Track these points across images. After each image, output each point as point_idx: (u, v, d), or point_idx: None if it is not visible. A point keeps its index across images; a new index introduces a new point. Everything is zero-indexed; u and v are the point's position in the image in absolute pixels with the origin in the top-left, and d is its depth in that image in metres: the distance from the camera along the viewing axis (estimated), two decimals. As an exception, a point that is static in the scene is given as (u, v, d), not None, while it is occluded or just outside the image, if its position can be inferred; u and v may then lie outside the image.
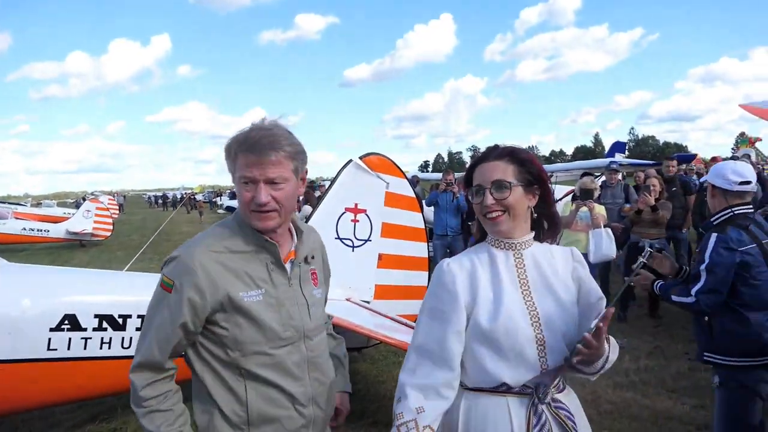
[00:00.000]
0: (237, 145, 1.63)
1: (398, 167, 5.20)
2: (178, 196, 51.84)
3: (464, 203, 8.45)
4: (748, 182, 2.94)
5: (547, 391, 1.62)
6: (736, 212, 2.94)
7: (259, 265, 1.69)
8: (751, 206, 2.99)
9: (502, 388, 1.63)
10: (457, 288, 1.67)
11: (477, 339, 1.64)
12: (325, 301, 1.96)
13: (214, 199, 44.29)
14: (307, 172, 1.78)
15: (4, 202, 26.22)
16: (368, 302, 4.93)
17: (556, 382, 1.65)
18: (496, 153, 1.72)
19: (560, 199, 10.57)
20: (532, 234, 1.76)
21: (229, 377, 1.66)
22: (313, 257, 1.86)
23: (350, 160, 4.97)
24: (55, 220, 21.65)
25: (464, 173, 1.82)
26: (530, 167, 1.70)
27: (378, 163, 5.05)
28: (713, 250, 2.87)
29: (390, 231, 5.12)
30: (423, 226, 5.36)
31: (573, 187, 8.45)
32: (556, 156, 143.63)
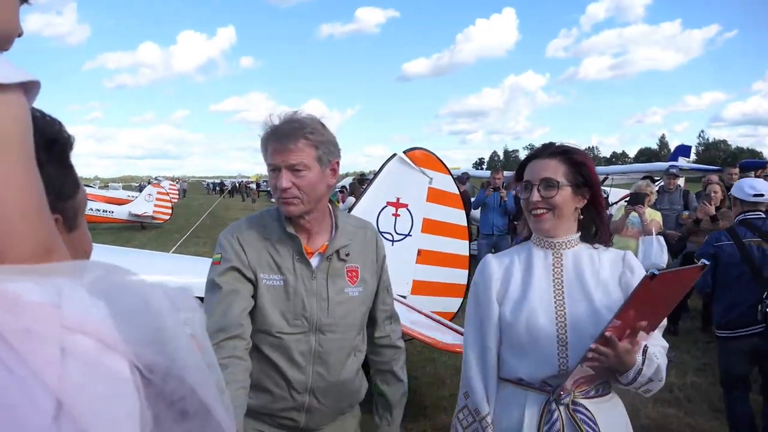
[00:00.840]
0: (267, 136, 1.72)
1: (443, 163, 5.15)
2: (236, 184, 53.32)
3: (512, 205, 8.29)
4: (761, 195, 3.78)
5: (565, 393, 1.61)
6: (747, 217, 3.81)
7: (287, 254, 1.76)
8: (761, 213, 3.79)
9: (522, 383, 1.68)
10: (492, 281, 1.75)
11: (503, 332, 1.71)
12: (370, 303, 1.91)
13: (269, 188, 45.24)
14: (338, 163, 1.80)
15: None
16: (404, 297, 4.92)
17: (580, 385, 1.63)
18: (549, 151, 1.73)
19: (615, 203, 10.20)
20: (577, 235, 1.75)
21: None
22: (348, 254, 1.83)
23: (394, 154, 4.97)
24: (120, 202, 22.72)
25: (516, 168, 1.84)
26: (582, 169, 1.69)
27: (422, 158, 5.02)
28: (704, 243, 4.11)
29: (431, 227, 5.09)
30: (465, 224, 5.30)
31: (630, 191, 8.14)
32: (617, 158, 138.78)
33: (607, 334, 1.47)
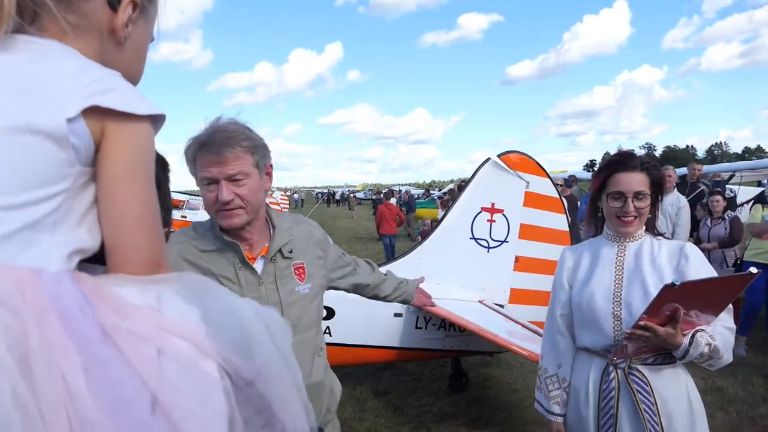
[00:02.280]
0: (194, 148, 1.61)
1: (540, 166, 4.90)
2: (344, 194, 54.98)
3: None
4: None
5: (621, 359, 1.94)
6: None
7: (227, 264, 1.66)
8: None
9: (589, 351, 2.06)
10: (564, 268, 2.18)
11: (573, 310, 2.12)
12: (321, 298, 1.87)
13: (373, 197, 46.17)
14: (272, 166, 1.72)
15: (197, 195, 30.08)
16: (502, 306, 4.74)
17: (641, 353, 1.93)
18: (636, 164, 1.99)
19: (745, 203, 9.15)
20: (643, 229, 2.07)
21: None
22: (291, 251, 1.75)
23: (488, 159, 4.81)
24: (236, 212, 24.21)
25: (598, 175, 2.09)
26: (660, 183, 2.04)
27: (518, 162, 4.81)
28: None
29: (529, 233, 4.86)
30: (566, 229, 4.99)
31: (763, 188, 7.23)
32: (751, 153, 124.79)
33: (642, 322, 1.77)
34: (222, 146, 1.55)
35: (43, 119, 0.63)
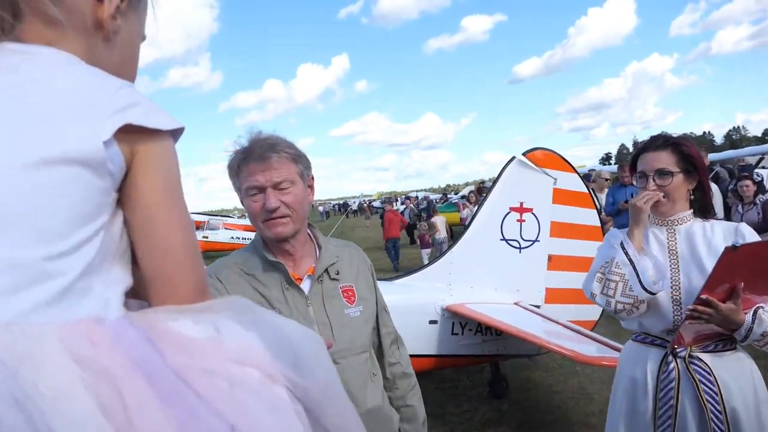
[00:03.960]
0: (239, 157, 1.59)
1: (567, 161, 4.82)
2: (361, 204, 55.12)
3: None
4: None
5: (681, 346, 1.87)
6: None
7: (275, 285, 1.62)
8: None
9: (647, 340, 2.00)
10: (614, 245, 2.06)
11: None
12: (374, 322, 1.76)
13: (394, 206, 46.19)
14: (313, 179, 1.70)
15: (216, 215, 30.36)
16: (538, 307, 4.64)
17: (700, 340, 1.87)
18: (658, 143, 1.99)
19: (776, 186, 8.92)
20: (690, 212, 2.01)
21: None
22: (338, 273, 1.69)
23: (513, 157, 4.74)
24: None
25: (630, 160, 2.12)
26: (690, 158, 1.96)
27: (544, 159, 4.73)
28: None
29: (560, 230, 4.77)
30: (598, 224, 4.89)
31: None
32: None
33: (703, 296, 1.74)
34: (267, 153, 1.54)
35: (78, 147, 0.56)
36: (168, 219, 0.63)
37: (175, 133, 0.67)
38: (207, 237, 21.66)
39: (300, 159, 1.62)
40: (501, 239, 4.71)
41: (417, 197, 31.45)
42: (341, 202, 74.67)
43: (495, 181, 4.86)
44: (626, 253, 1.96)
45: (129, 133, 0.60)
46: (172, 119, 0.65)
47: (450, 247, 5.03)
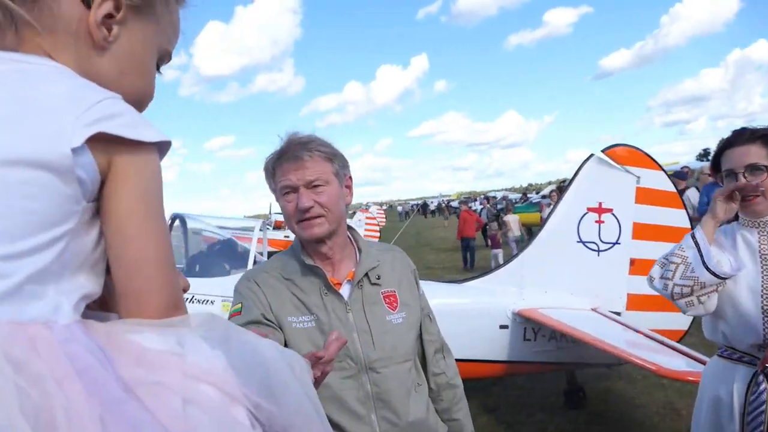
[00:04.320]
0: (274, 158, 1.57)
1: (651, 158, 4.48)
2: (440, 204, 54.88)
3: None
4: None
5: None
6: None
7: (313, 291, 1.56)
8: None
9: (734, 356, 1.85)
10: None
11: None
12: (417, 329, 1.67)
13: (469, 206, 45.60)
14: (351, 179, 1.64)
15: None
16: (619, 314, 4.35)
17: None
18: (746, 137, 1.83)
19: None
20: None
21: None
22: (379, 277, 1.62)
23: (591, 155, 4.47)
24: (335, 229, 24.89)
25: (711, 159, 1.97)
26: None
27: (626, 155, 4.42)
28: None
29: (644, 232, 4.44)
30: (687, 225, 4.51)
31: None
32: None
33: None
34: (300, 152, 1.52)
35: (44, 150, 0.55)
36: (140, 233, 0.61)
37: (161, 147, 0.65)
38: (288, 236, 22.54)
39: (335, 158, 1.58)
40: (578, 241, 4.47)
41: (495, 197, 30.78)
42: (420, 202, 74.64)
43: (571, 180, 4.62)
44: (692, 236, 1.83)
45: (106, 143, 0.59)
46: (157, 132, 0.63)
47: (522, 248, 4.84)
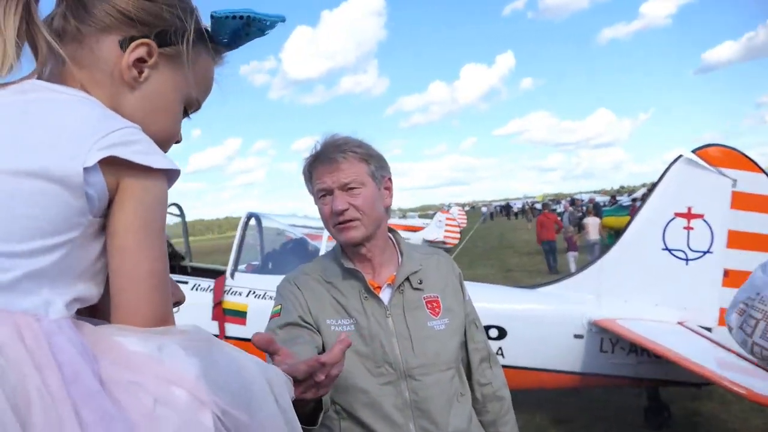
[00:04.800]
0: (310, 161, 1.56)
1: (752, 160, 4.07)
2: (524, 205, 53.43)
3: None
4: None
5: None
6: None
7: (353, 294, 1.54)
8: None
9: None
10: None
11: None
12: (461, 336, 1.59)
13: (553, 208, 43.75)
14: (390, 180, 1.60)
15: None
16: (710, 329, 3.99)
17: None
18: None
19: None
20: None
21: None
22: (421, 282, 1.56)
23: (679, 156, 4.14)
24: (416, 229, 24.91)
25: None
26: None
27: (720, 156, 4.07)
28: None
29: (740, 240, 4.05)
30: (793, 234, 4.06)
31: None
32: None
33: None
34: (334, 154, 1.51)
35: (58, 166, 0.62)
36: (136, 248, 0.67)
37: (170, 174, 0.71)
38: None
39: (371, 159, 1.55)
40: (663, 249, 4.16)
41: (582, 199, 29.45)
42: (503, 203, 72.97)
43: (657, 182, 4.30)
44: None
45: (117, 166, 0.66)
46: (166, 161, 0.70)
47: (602, 253, 4.57)
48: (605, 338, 4.01)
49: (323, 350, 1.49)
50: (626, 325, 3.86)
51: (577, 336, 4.04)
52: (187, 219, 5.84)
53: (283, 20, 0.81)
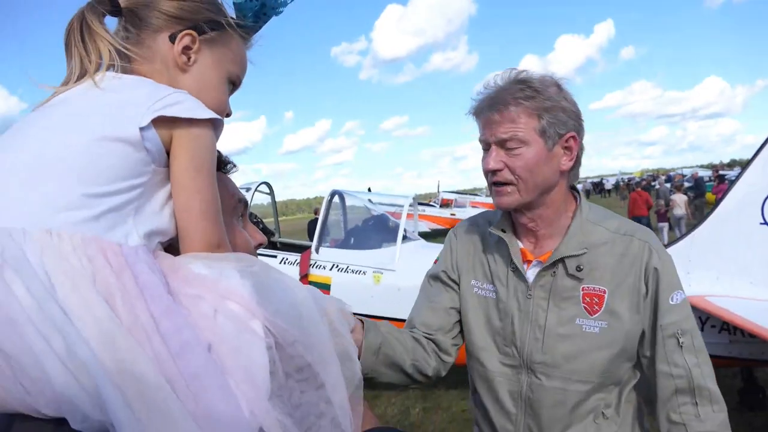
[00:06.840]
0: (475, 107, 1.33)
1: None
2: (618, 182, 50.72)
3: None
4: None
5: None
6: None
7: (502, 262, 1.38)
8: None
9: None
10: None
11: None
12: (620, 347, 1.29)
13: (652, 183, 40.69)
14: (575, 138, 1.29)
15: (466, 194, 31.45)
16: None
17: None
18: None
19: None
20: None
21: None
22: (581, 269, 1.29)
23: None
24: (499, 207, 24.54)
25: None
26: None
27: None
28: None
29: None
30: None
31: None
32: None
33: None
34: (495, 103, 1.26)
35: (123, 130, 0.79)
36: (190, 188, 0.83)
37: (215, 124, 0.87)
38: (454, 214, 22.82)
39: (546, 111, 1.24)
40: (762, 223, 3.90)
41: (684, 175, 27.46)
42: (597, 179, 69.50)
43: (756, 153, 4.02)
44: None
45: (169, 123, 0.82)
46: (206, 111, 0.85)
47: (693, 227, 4.35)
48: (695, 315, 3.85)
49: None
50: (717, 302, 3.69)
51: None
52: (281, 199, 6.23)
53: None
